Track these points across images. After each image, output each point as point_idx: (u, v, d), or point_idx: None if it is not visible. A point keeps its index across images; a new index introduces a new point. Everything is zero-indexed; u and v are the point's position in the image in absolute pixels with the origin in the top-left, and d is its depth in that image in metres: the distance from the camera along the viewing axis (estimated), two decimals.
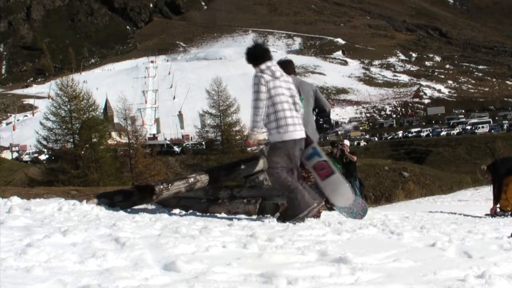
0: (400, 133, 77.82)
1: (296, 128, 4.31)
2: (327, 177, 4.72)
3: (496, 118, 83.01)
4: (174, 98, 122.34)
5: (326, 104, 5.59)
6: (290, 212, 4.21)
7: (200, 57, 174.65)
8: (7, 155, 62.21)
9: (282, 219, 4.24)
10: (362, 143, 69.88)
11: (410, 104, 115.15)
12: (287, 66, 5.60)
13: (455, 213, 8.86)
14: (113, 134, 40.48)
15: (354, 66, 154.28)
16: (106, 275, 1.84)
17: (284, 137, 4.24)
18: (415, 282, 2.04)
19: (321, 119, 5.47)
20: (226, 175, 5.72)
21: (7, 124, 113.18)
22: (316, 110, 5.51)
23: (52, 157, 34.46)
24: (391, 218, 6.06)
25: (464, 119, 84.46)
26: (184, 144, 63.65)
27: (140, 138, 36.29)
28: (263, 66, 4.28)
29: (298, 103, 4.50)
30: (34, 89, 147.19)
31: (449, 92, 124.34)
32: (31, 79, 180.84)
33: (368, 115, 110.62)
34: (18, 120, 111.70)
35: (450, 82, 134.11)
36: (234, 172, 5.69)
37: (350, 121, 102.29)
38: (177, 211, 4.76)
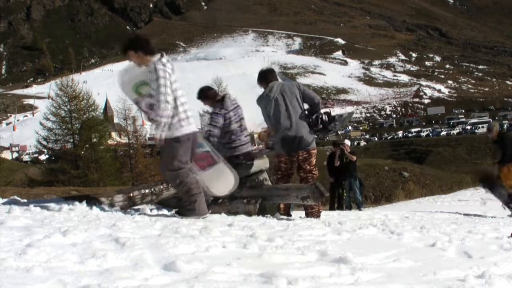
0: (400, 133, 77.84)
1: (191, 121, 4.22)
2: (209, 166, 4.58)
3: (496, 118, 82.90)
4: None
5: (314, 96, 5.54)
6: (188, 213, 4.10)
7: (200, 57, 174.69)
8: (7, 155, 62.26)
9: (179, 213, 4.16)
10: (362, 143, 69.91)
11: (410, 104, 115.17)
12: (268, 75, 5.64)
13: (456, 213, 8.87)
14: (113, 134, 40.49)
15: (354, 66, 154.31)
16: (106, 275, 1.84)
17: (186, 130, 4.08)
18: (415, 282, 2.04)
19: (311, 120, 5.42)
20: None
21: (7, 124, 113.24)
22: (306, 105, 5.49)
23: (52, 157, 34.48)
24: (391, 218, 6.06)
25: (464, 119, 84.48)
26: None
27: (140, 138, 36.29)
28: (163, 59, 4.06)
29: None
30: (34, 89, 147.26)
31: (449, 92, 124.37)
32: (31, 79, 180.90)
33: (368, 115, 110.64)
34: (18, 120, 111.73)
35: (450, 82, 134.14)
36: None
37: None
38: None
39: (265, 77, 5.63)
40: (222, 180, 4.63)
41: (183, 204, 4.20)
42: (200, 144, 4.53)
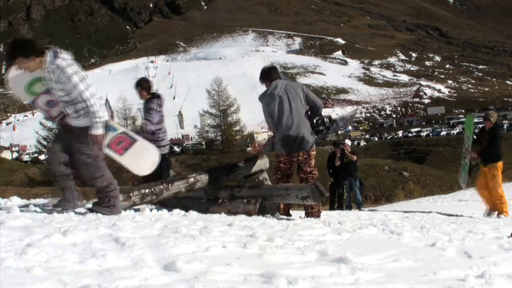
0: (400, 133, 77.80)
1: (103, 108, 3.97)
2: (128, 148, 4.35)
3: None
4: (174, 98, 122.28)
5: (316, 100, 5.54)
6: (107, 210, 3.89)
7: (200, 57, 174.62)
8: (7, 155, 62.22)
9: (96, 210, 3.92)
10: (362, 143, 69.89)
11: (410, 104, 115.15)
12: (271, 73, 5.63)
13: (455, 215, 8.86)
14: None
15: (354, 66, 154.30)
16: (106, 275, 1.84)
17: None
18: (415, 282, 2.04)
19: (315, 120, 5.43)
20: (226, 175, 5.72)
21: (7, 124, 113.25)
22: (307, 107, 5.49)
23: None
24: (391, 218, 6.07)
25: (464, 119, 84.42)
26: (184, 144, 63.59)
27: None
28: (62, 55, 3.79)
29: None
30: None
31: (449, 92, 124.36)
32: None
33: (368, 115, 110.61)
34: (18, 120, 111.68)
35: (450, 82, 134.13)
36: (233, 172, 5.70)
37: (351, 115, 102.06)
38: (177, 211, 4.76)
39: (268, 75, 5.61)
40: (143, 158, 4.42)
41: (102, 200, 3.95)
42: (112, 128, 4.28)
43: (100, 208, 3.91)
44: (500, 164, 7.82)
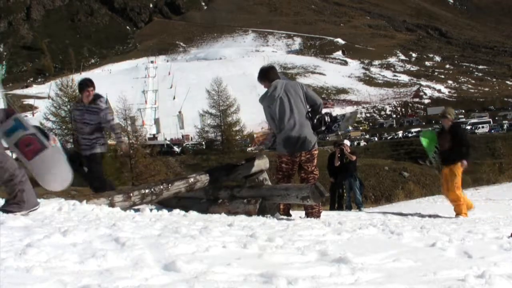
0: (400, 133, 77.77)
1: None
2: (36, 154, 3.69)
3: (496, 118, 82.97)
4: (174, 98, 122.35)
5: (316, 99, 5.53)
6: (16, 207, 3.42)
7: (200, 57, 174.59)
8: None
9: (4, 210, 3.42)
10: (362, 143, 69.86)
11: (410, 104, 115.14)
12: (270, 73, 5.61)
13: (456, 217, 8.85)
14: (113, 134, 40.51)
15: (354, 66, 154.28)
16: (106, 275, 1.84)
17: None
18: (415, 282, 2.04)
19: (315, 120, 5.43)
20: (226, 175, 5.72)
21: None
22: (308, 106, 5.49)
23: None
24: (391, 218, 6.07)
25: (464, 119, 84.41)
26: (184, 144, 63.61)
27: (140, 138, 36.31)
28: None
29: None
30: (34, 89, 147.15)
31: (449, 92, 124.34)
32: (31, 79, 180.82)
33: (368, 115, 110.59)
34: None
35: (450, 82, 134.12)
36: (234, 172, 5.70)
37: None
38: (177, 211, 4.76)
39: (267, 74, 5.59)
40: (53, 173, 3.76)
41: (9, 195, 3.46)
42: (21, 126, 3.73)
43: (8, 206, 3.43)
44: (462, 164, 7.31)
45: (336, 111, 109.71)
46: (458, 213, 7.52)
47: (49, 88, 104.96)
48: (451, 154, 7.36)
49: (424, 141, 8.25)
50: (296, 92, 5.38)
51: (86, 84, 6.26)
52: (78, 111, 6.25)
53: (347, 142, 12.07)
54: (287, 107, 5.29)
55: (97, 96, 6.22)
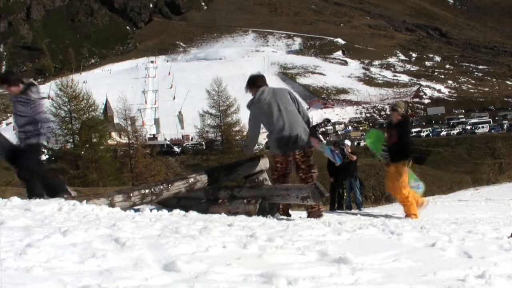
0: None
1: None
2: None
3: (496, 118, 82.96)
4: (174, 98, 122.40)
5: (306, 113, 5.56)
6: None
7: (200, 57, 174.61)
8: None
9: None
10: (362, 143, 69.86)
11: (410, 104, 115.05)
12: (258, 80, 5.63)
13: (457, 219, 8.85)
14: (113, 134, 40.56)
15: (354, 66, 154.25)
16: (106, 275, 1.84)
17: None
18: (415, 282, 2.04)
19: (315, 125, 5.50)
20: (226, 175, 5.72)
21: (7, 124, 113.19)
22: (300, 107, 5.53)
23: (52, 157, 34.49)
24: (391, 218, 6.07)
25: (464, 119, 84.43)
26: (184, 144, 63.63)
27: (140, 138, 36.34)
28: None
29: None
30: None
31: (449, 92, 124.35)
32: (31, 79, 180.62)
33: (368, 115, 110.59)
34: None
35: (450, 82, 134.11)
36: (234, 172, 5.70)
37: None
38: (177, 211, 4.76)
39: (256, 82, 5.62)
40: None
41: None
42: None
43: None
44: (406, 162, 6.96)
45: (336, 111, 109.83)
46: (407, 214, 7.05)
47: (49, 88, 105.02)
48: (396, 151, 6.90)
49: (368, 141, 7.83)
50: (284, 95, 5.42)
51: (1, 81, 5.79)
52: (13, 103, 5.83)
53: (347, 142, 12.08)
54: (275, 108, 5.32)
55: (29, 86, 5.70)
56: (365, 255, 2.57)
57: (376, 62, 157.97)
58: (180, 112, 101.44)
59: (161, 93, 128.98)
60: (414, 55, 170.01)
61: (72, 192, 5.65)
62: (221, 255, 2.41)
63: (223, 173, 5.70)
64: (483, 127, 68.57)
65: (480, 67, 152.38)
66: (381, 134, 7.73)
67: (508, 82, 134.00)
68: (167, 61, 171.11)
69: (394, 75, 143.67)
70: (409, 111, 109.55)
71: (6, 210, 3.52)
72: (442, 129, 75.32)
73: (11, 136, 6.41)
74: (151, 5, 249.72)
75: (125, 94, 42.01)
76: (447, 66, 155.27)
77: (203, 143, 45.90)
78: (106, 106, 73.86)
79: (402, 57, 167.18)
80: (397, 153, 6.89)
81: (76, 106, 32.22)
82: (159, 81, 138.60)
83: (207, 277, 1.90)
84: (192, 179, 5.32)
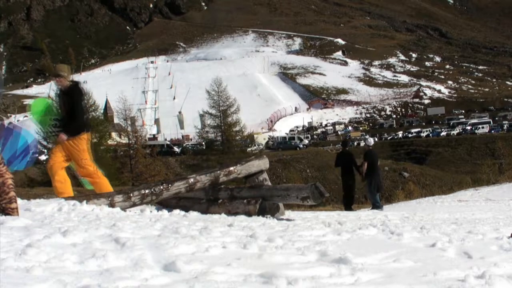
0: (400, 134, 77.76)
1: None
2: None
3: (496, 118, 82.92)
4: (174, 98, 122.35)
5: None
6: None
7: (200, 58, 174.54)
8: None
9: None
10: (362, 144, 69.87)
11: (410, 105, 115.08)
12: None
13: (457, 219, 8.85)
14: (113, 134, 40.51)
15: (354, 66, 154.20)
16: (106, 275, 1.84)
17: None
18: (415, 282, 2.04)
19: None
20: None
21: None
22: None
23: None
24: (391, 218, 6.06)
25: (464, 120, 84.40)
26: (184, 145, 63.62)
27: (140, 139, 36.29)
28: None
29: None
30: (34, 90, 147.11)
31: (449, 92, 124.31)
32: (31, 79, 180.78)
33: (368, 115, 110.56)
34: (18, 121, 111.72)
35: (450, 82, 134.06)
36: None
37: (350, 121, 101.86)
38: (177, 211, 4.76)
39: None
40: None
41: None
42: None
43: None
44: (85, 136, 5.86)
45: (336, 111, 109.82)
46: (99, 190, 5.71)
47: (49, 88, 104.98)
48: (70, 123, 5.77)
49: (33, 113, 6.21)
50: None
51: None
52: None
53: (371, 141, 12.08)
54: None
55: None
56: (365, 255, 2.57)
57: (376, 62, 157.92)
58: (180, 112, 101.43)
59: (161, 93, 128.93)
60: (414, 55, 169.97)
61: None
62: (221, 255, 2.41)
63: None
64: (483, 127, 68.55)
65: (480, 67, 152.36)
66: (49, 103, 6.45)
67: (508, 83, 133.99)
68: (167, 61, 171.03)
69: (394, 75, 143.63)
70: (409, 111, 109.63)
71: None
72: (442, 130, 75.28)
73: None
74: (151, 5, 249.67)
75: (125, 94, 41.99)
76: (447, 66, 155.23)
77: (203, 143, 45.89)
78: (106, 106, 73.88)
79: (402, 57, 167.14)
80: (71, 125, 5.75)
81: None
82: (159, 81, 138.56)
83: (207, 277, 1.90)
84: (192, 179, 5.32)
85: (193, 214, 4.65)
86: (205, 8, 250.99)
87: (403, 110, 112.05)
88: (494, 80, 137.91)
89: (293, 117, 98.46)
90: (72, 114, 5.75)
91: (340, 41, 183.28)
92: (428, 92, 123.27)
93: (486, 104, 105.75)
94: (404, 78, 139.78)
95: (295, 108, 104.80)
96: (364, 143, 11.45)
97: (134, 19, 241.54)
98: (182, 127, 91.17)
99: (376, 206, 10.98)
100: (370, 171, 11.00)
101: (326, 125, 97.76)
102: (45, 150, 35.82)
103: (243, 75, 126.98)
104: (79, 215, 3.71)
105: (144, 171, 32.82)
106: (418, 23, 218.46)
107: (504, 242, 3.41)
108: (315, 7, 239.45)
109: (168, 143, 61.60)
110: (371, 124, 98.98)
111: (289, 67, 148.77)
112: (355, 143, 60.13)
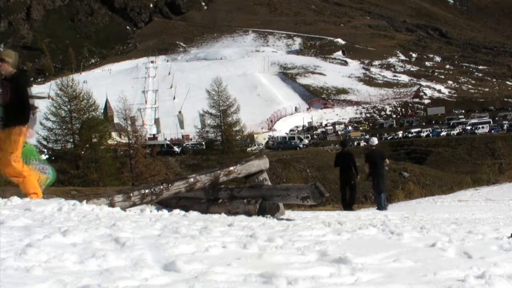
0: (400, 133, 77.77)
1: None
2: None
3: (496, 118, 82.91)
4: (174, 98, 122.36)
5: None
6: None
7: (200, 57, 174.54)
8: None
9: None
10: (362, 144, 69.87)
11: (410, 104, 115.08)
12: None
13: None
14: (113, 134, 40.52)
15: (354, 66, 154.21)
16: (106, 275, 1.84)
17: None
18: (415, 282, 2.04)
19: None
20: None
21: None
22: None
23: (52, 157, 34.48)
24: (391, 218, 6.07)
25: (464, 119, 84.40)
26: (184, 144, 63.61)
27: (140, 138, 36.28)
28: None
29: None
30: (34, 89, 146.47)
31: (449, 92, 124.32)
32: (31, 79, 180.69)
33: (368, 115, 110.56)
34: None
35: (450, 82, 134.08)
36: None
37: (350, 121, 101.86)
38: (177, 211, 4.76)
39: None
40: None
41: None
42: None
43: None
44: (25, 129, 5.41)
45: (336, 111, 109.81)
46: (26, 194, 5.38)
47: (49, 88, 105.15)
48: (12, 112, 5.35)
49: None
50: None
51: None
52: None
53: (375, 140, 11.99)
54: None
55: None
56: (365, 255, 2.57)
57: (376, 62, 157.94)
58: (180, 112, 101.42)
59: (161, 93, 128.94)
60: (414, 55, 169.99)
61: None
62: (221, 255, 2.41)
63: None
64: (483, 127, 68.54)
65: (480, 67, 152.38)
66: None
67: (508, 82, 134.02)
68: (167, 61, 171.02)
69: (394, 75, 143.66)
70: (409, 111, 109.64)
71: (6, 210, 3.52)
72: (442, 129, 75.28)
73: None
74: (151, 5, 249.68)
75: (125, 94, 41.97)
76: (447, 66, 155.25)
77: (203, 143, 45.90)
78: (106, 106, 73.88)
79: (402, 57, 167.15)
80: (12, 114, 5.34)
81: (76, 106, 32.22)
82: (159, 81, 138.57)
83: (207, 277, 1.90)
84: (192, 179, 5.32)
85: (193, 214, 4.65)
86: (205, 8, 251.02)
87: (403, 110, 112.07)
88: (494, 80, 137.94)
89: (293, 117, 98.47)
90: (18, 102, 5.34)
91: (340, 41, 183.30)
92: (428, 92, 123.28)
93: (486, 104, 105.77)
94: (404, 78, 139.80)
95: (295, 108, 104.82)
96: (367, 143, 11.46)
97: (134, 19, 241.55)
98: (182, 127, 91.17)
99: (379, 207, 10.99)
100: (373, 171, 11.01)
101: (326, 125, 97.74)
102: (45, 150, 35.89)
103: (243, 75, 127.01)
104: (79, 215, 3.71)
105: (144, 170, 32.83)
106: (418, 23, 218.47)
107: (504, 242, 3.41)
108: (315, 7, 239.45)
109: (168, 143, 61.59)
110: (371, 124, 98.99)
111: (289, 67, 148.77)
112: (355, 143, 60.11)
